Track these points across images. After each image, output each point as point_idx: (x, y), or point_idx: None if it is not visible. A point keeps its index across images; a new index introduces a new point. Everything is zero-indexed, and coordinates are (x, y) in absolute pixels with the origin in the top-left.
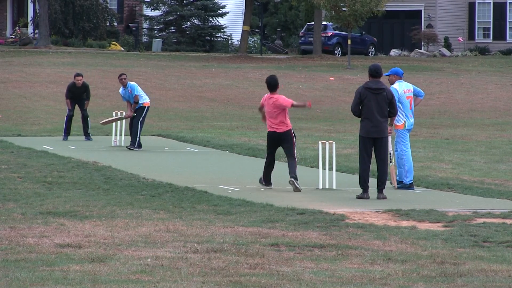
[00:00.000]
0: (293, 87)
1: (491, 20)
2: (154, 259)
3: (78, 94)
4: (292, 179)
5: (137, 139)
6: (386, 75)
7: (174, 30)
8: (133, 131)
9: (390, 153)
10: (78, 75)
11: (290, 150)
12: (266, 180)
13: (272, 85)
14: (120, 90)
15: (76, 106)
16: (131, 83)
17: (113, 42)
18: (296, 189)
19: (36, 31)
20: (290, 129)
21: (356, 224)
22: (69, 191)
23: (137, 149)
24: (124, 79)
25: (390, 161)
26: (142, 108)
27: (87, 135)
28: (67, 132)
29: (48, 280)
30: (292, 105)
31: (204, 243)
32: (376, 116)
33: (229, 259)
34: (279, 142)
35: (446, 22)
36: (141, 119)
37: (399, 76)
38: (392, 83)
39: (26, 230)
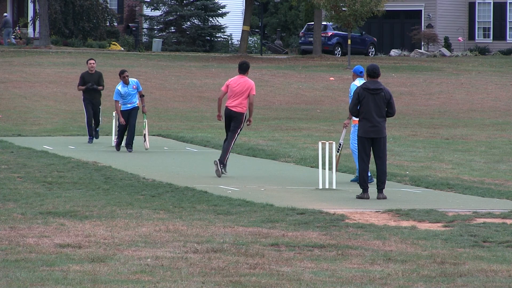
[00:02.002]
0: (293, 87)
1: (491, 20)
2: (154, 259)
3: (91, 81)
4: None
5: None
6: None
7: (174, 30)
8: (131, 133)
9: (341, 144)
10: (90, 59)
11: (235, 132)
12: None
13: (245, 67)
14: (120, 87)
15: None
16: (132, 79)
17: (113, 42)
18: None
19: (37, 31)
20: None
21: (356, 224)
22: (69, 191)
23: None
24: (127, 76)
25: (338, 151)
26: (136, 108)
27: (95, 132)
28: (91, 134)
29: (48, 280)
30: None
31: (204, 243)
32: (374, 116)
33: (229, 259)
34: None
35: (446, 22)
36: (136, 120)
37: (357, 74)
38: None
39: (26, 230)
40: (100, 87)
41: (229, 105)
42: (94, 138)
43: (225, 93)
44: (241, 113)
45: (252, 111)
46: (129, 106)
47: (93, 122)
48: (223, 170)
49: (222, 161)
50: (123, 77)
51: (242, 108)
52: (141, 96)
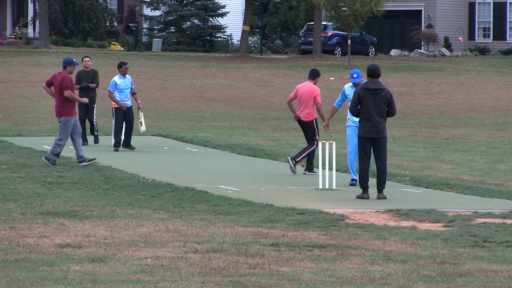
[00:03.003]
0: (293, 87)
1: (491, 20)
2: (154, 259)
3: (86, 80)
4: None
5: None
6: (357, 82)
7: (174, 30)
8: (129, 132)
9: None
10: (85, 56)
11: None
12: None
13: (313, 74)
14: (117, 78)
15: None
16: (127, 75)
17: (113, 42)
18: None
19: (37, 31)
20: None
21: (356, 224)
22: (69, 191)
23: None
24: (127, 68)
25: None
26: (131, 107)
27: (95, 138)
28: (84, 136)
29: (48, 280)
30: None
31: (204, 243)
32: (374, 116)
33: (229, 259)
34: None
35: (446, 22)
36: (133, 119)
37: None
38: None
39: (26, 230)
40: (93, 85)
41: (299, 114)
42: (95, 142)
43: (292, 99)
44: (309, 122)
45: (323, 116)
46: (126, 102)
47: (86, 124)
48: (294, 167)
49: (295, 159)
50: (125, 68)
51: (309, 117)
52: (133, 94)
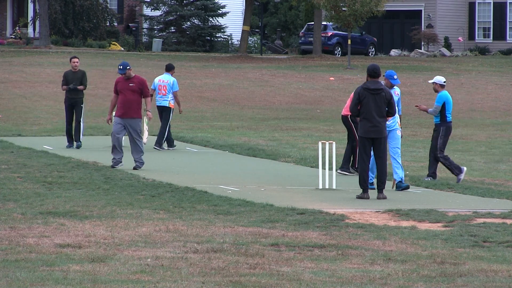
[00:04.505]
0: (293, 87)
1: (491, 20)
2: (154, 259)
3: (73, 81)
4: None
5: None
6: (398, 83)
7: (174, 30)
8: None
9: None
10: (74, 57)
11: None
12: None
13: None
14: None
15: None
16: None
17: (113, 42)
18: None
19: (37, 31)
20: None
21: (356, 224)
22: (69, 191)
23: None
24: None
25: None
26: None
27: (77, 140)
28: (70, 141)
29: (48, 280)
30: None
31: (204, 243)
32: (374, 116)
33: (229, 259)
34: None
35: (446, 22)
36: None
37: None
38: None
39: (26, 230)
40: (81, 87)
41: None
42: (75, 146)
43: None
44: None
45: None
46: None
47: (73, 127)
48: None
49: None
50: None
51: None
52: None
